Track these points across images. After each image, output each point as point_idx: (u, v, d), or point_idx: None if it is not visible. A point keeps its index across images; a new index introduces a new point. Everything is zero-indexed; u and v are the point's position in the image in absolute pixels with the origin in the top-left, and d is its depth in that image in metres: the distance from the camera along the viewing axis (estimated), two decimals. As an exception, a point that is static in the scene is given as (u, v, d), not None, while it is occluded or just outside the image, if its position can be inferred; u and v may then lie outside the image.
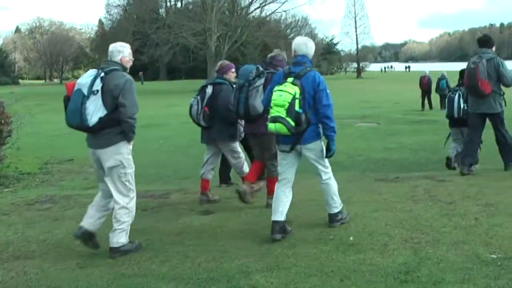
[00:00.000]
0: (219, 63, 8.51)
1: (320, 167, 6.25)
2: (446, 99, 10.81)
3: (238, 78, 7.81)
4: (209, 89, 8.05)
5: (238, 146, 8.30)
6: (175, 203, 8.17)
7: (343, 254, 5.40)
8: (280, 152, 6.31)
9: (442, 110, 27.10)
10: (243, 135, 8.10)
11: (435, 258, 5.14)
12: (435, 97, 28.87)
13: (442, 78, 28.28)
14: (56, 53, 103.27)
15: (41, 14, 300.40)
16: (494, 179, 8.72)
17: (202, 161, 8.48)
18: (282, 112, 5.80)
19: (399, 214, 6.69)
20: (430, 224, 6.22)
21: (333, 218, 6.33)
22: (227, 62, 8.56)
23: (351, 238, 5.86)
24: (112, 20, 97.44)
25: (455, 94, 10.29)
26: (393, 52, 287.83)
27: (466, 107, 9.96)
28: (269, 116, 6.00)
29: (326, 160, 6.29)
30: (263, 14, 69.67)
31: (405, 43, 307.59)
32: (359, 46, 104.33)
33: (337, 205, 6.37)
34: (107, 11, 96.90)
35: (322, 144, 6.25)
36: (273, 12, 69.56)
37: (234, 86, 7.82)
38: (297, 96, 5.85)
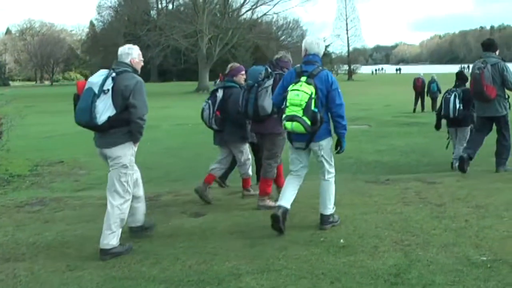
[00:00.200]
0: (229, 66, 8.63)
1: (326, 165, 6.38)
2: (442, 100, 10.99)
3: (247, 79, 7.90)
4: (220, 93, 8.21)
5: (247, 148, 8.45)
6: (166, 205, 8.14)
7: (333, 257, 5.40)
8: (294, 149, 6.46)
9: (433, 112, 27.37)
10: (255, 137, 8.16)
11: (425, 260, 5.15)
12: (426, 100, 28.95)
13: (432, 81, 28.48)
14: (46, 55, 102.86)
15: (32, 15, 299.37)
16: (484, 181, 8.76)
17: (212, 160, 8.62)
18: (299, 112, 5.94)
19: (390, 216, 6.70)
20: (421, 226, 6.24)
21: (325, 220, 6.34)
22: (237, 64, 8.68)
23: (341, 241, 5.86)
24: (103, 22, 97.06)
25: (451, 95, 10.61)
26: (384, 55, 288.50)
27: (461, 108, 10.36)
28: (284, 115, 6.10)
29: (333, 159, 6.44)
30: (255, 16, 69.86)
31: (396, 46, 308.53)
32: (350, 48, 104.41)
33: (331, 207, 6.41)
34: (98, 13, 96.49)
35: (332, 141, 6.39)
36: (264, 14, 69.61)
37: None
38: (313, 96, 5.98)
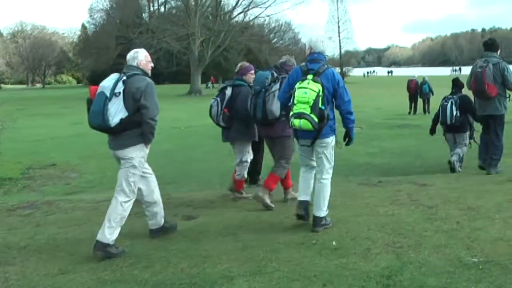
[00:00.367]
0: (238, 65, 8.76)
1: (326, 164, 6.45)
2: (439, 107, 11.17)
3: (254, 84, 7.98)
4: (228, 91, 8.33)
5: (250, 150, 8.52)
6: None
7: (326, 259, 5.40)
8: (300, 147, 6.59)
9: (426, 114, 27.49)
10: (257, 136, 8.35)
11: (417, 262, 5.16)
12: (419, 102, 29.04)
13: (424, 82, 28.61)
14: (38, 58, 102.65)
15: (23, 18, 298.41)
16: (476, 183, 8.79)
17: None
18: (306, 109, 6.02)
19: (382, 219, 6.71)
20: (412, 228, 6.24)
21: (318, 222, 6.34)
22: (246, 63, 8.78)
23: (334, 243, 5.86)
24: (95, 25, 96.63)
25: (448, 102, 10.93)
26: (376, 57, 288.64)
27: (458, 114, 10.69)
28: (292, 112, 6.16)
29: (334, 159, 6.51)
30: (247, 19, 69.73)
31: (388, 48, 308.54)
32: (342, 51, 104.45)
33: (325, 209, 6.41)
34: (90, 15, 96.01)
35: (335, 140, 6.49)
36: (256, 17, 69.57)
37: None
38: (320, 93, 6.07)
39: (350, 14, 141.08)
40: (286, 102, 6.45)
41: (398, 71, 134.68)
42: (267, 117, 7.46)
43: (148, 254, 5.83)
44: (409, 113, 28.81)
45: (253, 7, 65.79)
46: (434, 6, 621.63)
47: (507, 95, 9.77)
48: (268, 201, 7.52)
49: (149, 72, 6.24)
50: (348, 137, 6.58)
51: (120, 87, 5.82)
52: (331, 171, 6.51)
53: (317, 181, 6.48)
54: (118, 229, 5.94)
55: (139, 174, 6.07)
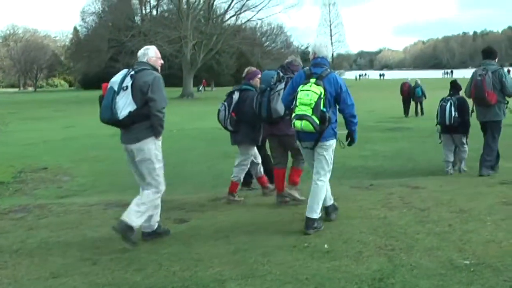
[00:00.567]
0: (246, 70, 8.86)
1: (325, 166, 6.54)
2: (438, 107, 11.22)
3: (260, 83, 8.16)
4: (236, 95, 8.45)
5: (256, 151, 8.69)
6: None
7: (318, 262, 5.40)
8: (303, 149, 6.72)
9: (417, 117, 27.58)
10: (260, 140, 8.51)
11: (409, 265, 5.17)
12: (412, 105, 29.07)
13: (416, 86, 28.65)
14: (30, 61, 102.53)
15: (15, 21, 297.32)
16: (467, 186, 8.83)
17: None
18: (308, 111, 6.13)
19: (374, 221, 6.72)
20: (404, 231, 6.26)
21: (310, 224, 6.34)
22: (253, 68, 8.92)
23: (326, 246, 5.86)
24: (87, 28, 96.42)
25: (447, 103, 11.03)
26: (368, 60, 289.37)
27: (457, 115, 10.80)
28: (294, 114, 6.27)
29: (332, 162, 6.60)
30: (239, 22, 69.87)
31: (380, 51, 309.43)
32: (334, 54, 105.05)
33: (318, 211, 6.43)
34: (82, 19, 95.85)
35: (336, 143, 6.60)
36: (248, 20, 69.65)
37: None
38: (322, 96, 6.19)
39: (342, 18, 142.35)
40: (289, 105, 6.58)
41: (390, 74, 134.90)
42: (271, 116, 7.58)
43: (140, 257, 5.82)
44: (405, 115, 28.82)
45: (245, 10, 66.02)
46: (426, 9, 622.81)
47: (506, 101, 9.98)
48: (297, 194, 7.75)
49: (159, 68, 6.43)
50: (350, 138, 6.71)
51: (128, 81, 6.05)
52: (328, 174, 6.59)
53: (313, 182, 6.52)
54: (144, 217, 6.19)
55: (158, 166, 6.25)
